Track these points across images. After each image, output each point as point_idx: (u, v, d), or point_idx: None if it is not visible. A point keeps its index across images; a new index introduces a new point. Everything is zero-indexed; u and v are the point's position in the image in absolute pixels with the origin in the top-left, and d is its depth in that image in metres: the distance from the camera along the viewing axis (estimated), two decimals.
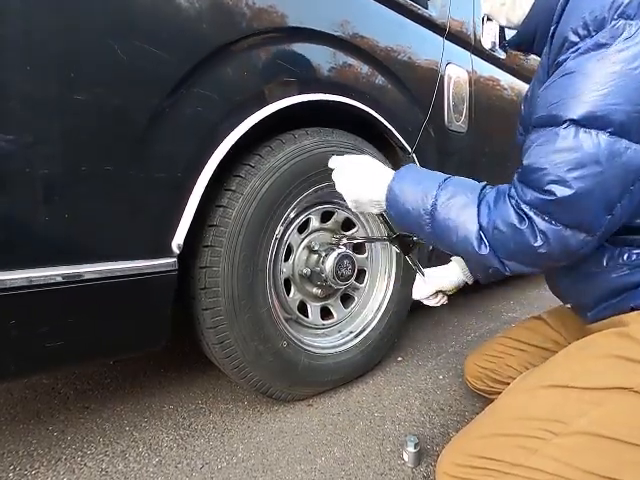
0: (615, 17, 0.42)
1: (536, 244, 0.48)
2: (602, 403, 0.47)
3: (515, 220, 0.49)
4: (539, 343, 0.80)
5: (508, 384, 0.80)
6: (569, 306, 0.70)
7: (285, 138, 0.81)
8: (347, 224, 1.01)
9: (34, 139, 0.52)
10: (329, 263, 0.89)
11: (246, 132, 0.72)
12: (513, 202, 0.50)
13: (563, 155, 0.44)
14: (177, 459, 0.73)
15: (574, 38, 0.45)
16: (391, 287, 1.05)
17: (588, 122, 0.43)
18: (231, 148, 0.71)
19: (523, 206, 0.48)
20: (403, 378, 1.03)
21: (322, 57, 0.85)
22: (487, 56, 1.32)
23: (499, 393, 0.83)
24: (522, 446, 0.49)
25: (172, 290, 0.68)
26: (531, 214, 0.47)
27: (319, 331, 0.97)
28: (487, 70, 1.35)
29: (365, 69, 0.93)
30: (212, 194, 0.74)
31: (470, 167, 1.27)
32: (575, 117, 0.43)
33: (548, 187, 0.46)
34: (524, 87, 1.55)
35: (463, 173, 1.24)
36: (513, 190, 0.51)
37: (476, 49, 1.27)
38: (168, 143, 0.64)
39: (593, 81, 0.42)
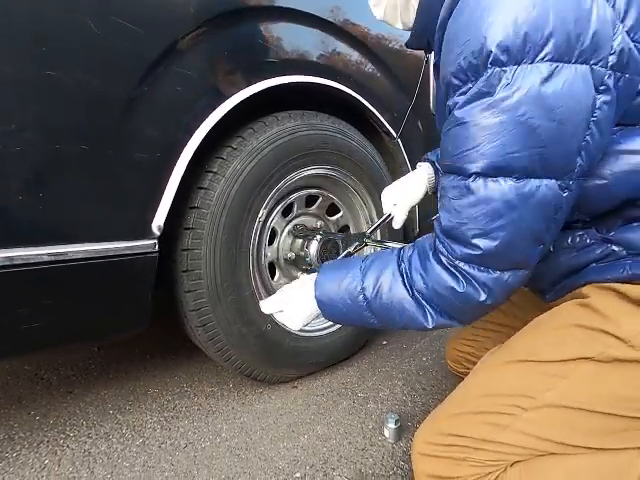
0: (488, 66, 0.40)
1: (482, 298, 0.48)
2: (566, 375, 0.49)
3: (453, 283, 0.49)
4: (511, 323, 0.82)
5: None
6: (527, 289, 0.72)
7: (267, 120, 0.80)
8: (332, 209, 1.01)
9: (9, 120, 0.51)
10: (314, 247, 0.90)
11: (230, 113, 0.71)
12: (444, 260, 0.50)
13: (479, 208, 0.45)
14: (161, 439, 0.73)
15: (456, 82, 0.44)
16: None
17: (493, 172, 0.43)
18: (213, 129, 0.70)
19: (457, 263, 0.48)
20: (387, 360, 1.05)
21: (307, 39, 0.84)
22: None
23: None
24: (493, 422, 0.50)
25: (153, 272, 0.68)
26: (467, 268, 0.48)
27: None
28: None
29: (350, 52, 0.93)
30: (194, 176, 0.73)
31: None
32: (479, 170, 0.43)
33: (474, 241, 0.46)
34: None
35: None
36: (440, 246, 0.50)
37: None
38: (147, 123, 0.63)
39: (486, 132, 0.42)
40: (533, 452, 0.49)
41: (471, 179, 0.44)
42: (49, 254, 0.56)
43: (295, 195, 0.91)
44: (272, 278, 0.91)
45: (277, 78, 0.78)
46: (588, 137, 0.41)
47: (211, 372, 0.98)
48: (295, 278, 0.95)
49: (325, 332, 0.96)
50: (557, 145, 0.41)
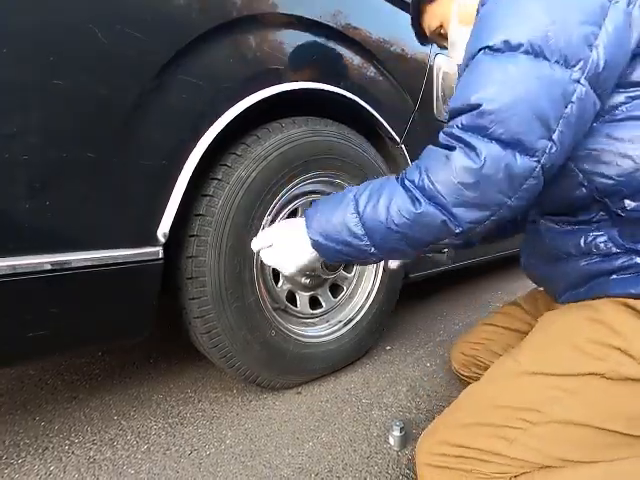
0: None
1: (475, 166, 0.44)
2: (575, 391, 0.48)
3: (443, 151, 0.47)
4: (518, 327, 0.82)
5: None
6: (542, 289, 0.72)
7: (272, 127, 0.81)
8: None
9: (15, 126, 0.51)
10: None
11: (235, 120, 0.72)
12: (442, 137, 0.49)
13: (483, 75, 0.46)
14: (166, 446, 0.73)
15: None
16: (379, 277, 1.06)
17: (504, 47, 0.45)
18: (218, 136, 0.70)
19: (456, 131, 0.47)
20: (391, 366, 1.05)
21: (311, 45, 0.84)
22: None
23: None
24: (500, 436, 0.50)
25: (158, 279, 0.68)
26: (465, 136, 0.46)
27: (308, 320, 0.98)
28: None
29: (354, 59, 0.93)
30: (198, 183, 0.74)
31: None
32: (490, 44, 0.46)
33: (474, 100, 0.45)
34: None
35: None
36: (445, 130, 0.50)
37: None
38: (152, 130, 0.63)
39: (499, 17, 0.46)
40: (539, 465, 0.49)
41: (481, 52, 0.46)
42: (53, 262, 0.56)
43: (299, 201, 0.91)
44: (276, 284, 0.91)
45: (281, 85, 0.78)
46: (601, 36, 0.43)
47: (215, 378, 0.98)
48: (298, 284, 0.95)
49: (329, 338, 0.96)
50: (564, 26, 0.43)
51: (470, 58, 0.49)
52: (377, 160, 1.01)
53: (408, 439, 0.75)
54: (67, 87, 0.54)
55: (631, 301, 0.49)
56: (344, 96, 0.89)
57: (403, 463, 0.69)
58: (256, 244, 0.62)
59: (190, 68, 0.65)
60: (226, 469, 0.67)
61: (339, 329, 0.99)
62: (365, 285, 1.06)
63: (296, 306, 0.95)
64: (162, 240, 0.67)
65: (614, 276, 0.52)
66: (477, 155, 0.45)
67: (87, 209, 0.59)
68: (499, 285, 1.92)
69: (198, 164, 0.68)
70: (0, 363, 0.64)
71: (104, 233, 0.62)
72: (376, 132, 1.04)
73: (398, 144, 1.06)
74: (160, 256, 0.67)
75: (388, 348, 1.16)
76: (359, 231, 0.52)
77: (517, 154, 0.44)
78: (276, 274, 0.91)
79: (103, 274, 0.62)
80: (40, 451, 0.72)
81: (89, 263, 0.60)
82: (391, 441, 0.73)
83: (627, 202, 0.49)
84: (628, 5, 0.44)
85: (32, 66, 0.52)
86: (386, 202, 0.50)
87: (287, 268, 0.60)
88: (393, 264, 0.86)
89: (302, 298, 0.96)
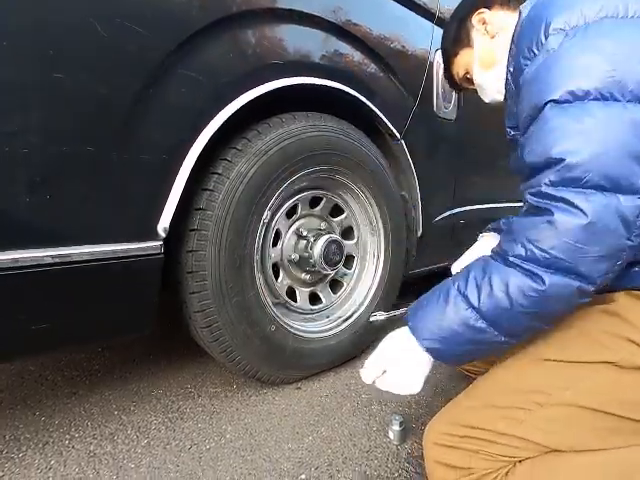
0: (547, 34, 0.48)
1: (585, 221, 0.42)
2: (587, 377, 0.49)
3: (541, 217, 0.45)
4: None
5: (492, 363, 0.83)
6: None
7: (272, 122, 0.80)
8: (336, 210, 1.02)
9: (16, 122, 0.51)
10: (318, 249, 0.90)
11: (235, 115, 0.71)
12: (531, 199, 0.47)
13: (557, 130, 0.45)
14: (166, 440, 0.73)
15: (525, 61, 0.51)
16: (379, 273, 1.06)
17: (570, 98, 0.45)
18: (218, 130, 0.70)
19: (547, 190, 0.44)
20: None
21: (311, 41, 0.84)
22: None
23: (483, 373, 0.86)
24: (509, 417, 0.51)
25: (158, 274, 0.68)
26: (560, 193, 0.43)
27: (307, 316, 0.98)
28: None
29: (354, 54, 0.93)
30: (199, 177, 0.74)
31: (459, 155, 1.28)
32: (555, 97, 0.46)
33: (556, 155, 0.44)
34: None
35: (452, 160, 1.26)
36: (530, 191, 0.48)
37: None
38: (152, 125, 0.63)
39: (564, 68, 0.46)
40: (544, 449, 0.50)
41: (548, 107, 0.46)
42: (54, 256, 0.56)
43: (299, 196, 0.91)
44: (276, 279, 0.91)
45: (281, 80, 0.78)
46: None
47: (215, 373, 0.98)
48: (299, 279, 0.95)
49: (329, 333, 0.96)
50: (628, 67, 0.43)
51: (535, 110, 0.48)
52: (377, 156, 1.01)
53: (407, 433, 0.75)
54: (67, 82, 0.54)
55: None
56: (344, 92, 0.89)
57: (402, 457, 0.69)
58: (368, 376, 0.58)
59: (190, 63, 0.65)
60: (226, 463, 0.67)
61: (339, 324, 0.99)
62: (365, 281, 1.06)
63: (296, 301, 0.95)
64: (162, 234, 0.67)
65: (636, 268, 0.51)
66: (581, 210, 0.42)
67: (88, 203, 0.59)
68: None
69: (198, 158, 0.68)
70: (0, 358, 0.64)
71: (104, 227, 0.62)
72: (376, 128, 1.04)
73: (398, 140, 1.06)
74: (160, 250, 0.67)
75: None
76: (482, 325, 0.49)
77: (620, 196, 0.42)
78: (275, 268, 0.91)
79: (103, 268, 0.62)
80: (41, 445, 0.72)
81: (89, 257, 0.60)
82: (390, 435, 0.74)
83: None
84: None
85: (32, 61, 0.51)
86: (502, 287, 0.47)
87: (412, 388, 0.56)
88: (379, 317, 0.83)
89: (302, 294, 0.97)
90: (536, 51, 0.50)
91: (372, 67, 0.97)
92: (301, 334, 0.91)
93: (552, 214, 0.44)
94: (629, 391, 0.48)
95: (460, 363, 0.57)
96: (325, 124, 0.88)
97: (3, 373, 0.98)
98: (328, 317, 1.01)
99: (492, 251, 0.52)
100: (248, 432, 0.76)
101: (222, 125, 0.70)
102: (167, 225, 0.67)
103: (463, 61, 0.73)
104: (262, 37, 0.75)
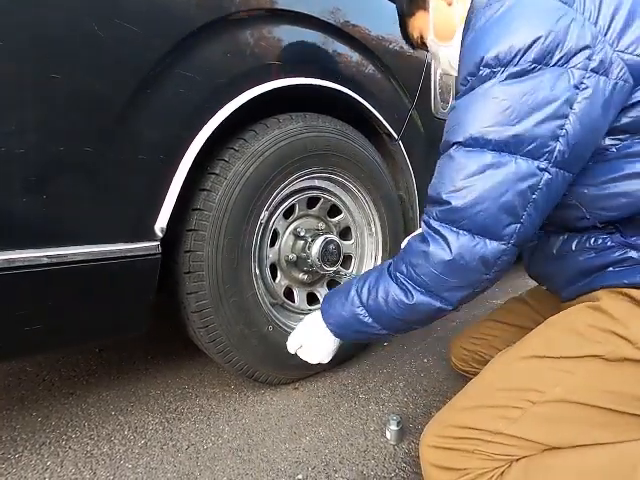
0: (480, 68, 0.49)
1: (449, 257, 0.51)
2: (575, 371, 0.50)
3: (422, 245, 0.54)
4: (521, 323, 0.83)
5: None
6: (545, 288, 0.73)
7: (269, 122, 0.81)
8: (333, 210, 1.02)
9: (12, 121, 0.51)
10: (315, 249, 0.90)
11: (233, 114, 0.71)
12: (423, 225, 0.56)
13: (456, 170, 0.51)
14: (163, 441, 0.73)
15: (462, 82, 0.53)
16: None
17: (471, 142, 0.49)
18: (215, 130, 0.70)
19: (433, 223, 0.53)
20: (388, 362, 1.05)
21: (309, 41, 0.84)
22: None
23: None
24: (503, 416, 0.51)
25: (155, 274, 0.68)
26: (440, 228, 0.52)
27: (305, 316, 0.97)
28: None
29: (352, 55, 0.93)
30: (196, 177, 0.74)
31: None
32: (460, 140, 0.50)
33: (445, 197, 0.51)
34: None
35: None
36: (424, 217, 0.56)
37: None
38: (150, 125, 0.63)
39: (468, 112, 0.50)
40: (539, 446, 0.50)
41: (454, 147, 0.51)
42: (50, 256, 0.56)
43: (297, 197, 0.92)
44: (274, 280, 0.91)
45: (278, 81, 0.78)
46: (566, 126, 0.46)
47: (212, 373, 0.98)
48: (296, 280, 0.95)
49: None
50: (528, 124, 0.46)
51: (444, 146, 0.54)
52: (375, 156, 1.01)
53: (405, 433, 0.75)
54: (64, 81, 0.54)
55: (628, 290, 0.51)
56: (342, 92, 0.89)
57: (400, 457, 0.70)
58: (290, 346, 0.74)
59: (188, 63, 0.65)
60: (223, 463, 0.67)
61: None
62: None
63: (294, 302, 0.95)
64: (159, 235, 0.67)
65: (610, 269, 0.54)
66: (449, 246, 0.51)
67: (85, 203, 0.59)
68: (499, 284, 1.93)
69: (196, 159, 0.68)
70: None
71: (101, 227, 0.62)
72: (374, 128, 1.04)
73: (396, 140, 1.06)
74: (158, 250, 0.67)
75: (385, 344, 1.16)
76: (368, 320, 0.61)
77: (487, 240, 0.50)
78: (273, 268, 0.91)
79: (100, 268, 0.62)
80: (37, 446, 0.72)
81: (86, 257, 0.60)
82: (388, 435, 0.74)
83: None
84: (598, 80, 0.46)
85: (29, 61, 0.51)
86: (383, 295, 0.58)
87: (322, 359, 0.72)
88: None
89: (300, 294, 0.97)
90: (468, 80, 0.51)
91: (370, 68, 0.97)
92: None
93: (429, 245, 0.53)
94: (618, 384, 0.49)
95: (358, 341, 0.69)
96: (323, 125, 0.88)
97: (0, 373, 0.97)
98: None
99: (392, 260, 0.61)
100: (245, 432, 0.76)
101: (220, 125, 0.71)
102: (164, 225, 0.67)
103: (417, 24, 0.71)
104: (260, 38, 0.75)
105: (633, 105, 0.48)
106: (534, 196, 0.48)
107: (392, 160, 1.10)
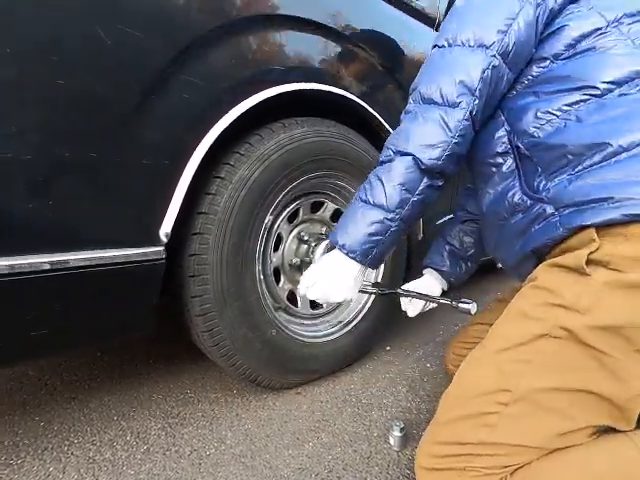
0: None
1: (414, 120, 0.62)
2: (531, 358, 0.49)
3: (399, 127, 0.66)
4: None
5: None
6: (500, 266, 0.75)
7: (275, 127, 0.81)
8: (337, 215, 1.02)
9: (16, 125, 0.51)
10: (319, 253, 0.90)
11: (239, 119, 0.72)
12: (403, 114, 0.67)
13: (431, 64, 0.64)
14: (165, 446, 0.73)
15: None
16: (380, 277, 1.06)
17: (445, 44, 0.62)
18: (220, 135, 0.70)
19: (409, 106, 0.65)
20: (391, 366, 1.05)
21: (313, 47, 0.84)
22: None
23: None
24: (482, 424, 0.49)
25: (160, 279, 0.68)
26: (412, 106, 0.64)
27: (308, 320, 0.97)
28: None
29: (355, 59, 0.93)
30: (201, 181, 0.74)
31: None
32: (439, 43, 0.63)
33: (416, 85, 0.65)
34: None
35: None
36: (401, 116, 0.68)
37: None
38: (155, 130, 0.63)
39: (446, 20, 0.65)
40: (528, 450, 0.48)
41: (434, 49, 0.64)
42: (53, 262, 0.56)
43: (301, 201, 0.92)
44: (277, 284, 0.90)
45: (283, 86, 0.78)
46: (515, 25, 0.57)
47: (215, 378, 0.98)
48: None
49: (330, 338, 0.96)
50: (487, 27, 0.58)
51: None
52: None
53: (408, 439, 0.75)
54: (70, 86, 0.54)
55: (556, 259, 0.52)
56: (346, 97, 0.90)
57: (403, 463, 0.69)
58: (302, 287, 0.69)
59: (193, 68, 0.66)
60: (226, 469, 0.67)
61: (340, 329, 0.99)
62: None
63: (297, 306, 0.95)
64: (164, 240, 0.67)
65: (534, 227, 0.57)
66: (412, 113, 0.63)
67: (89, 208, 0.59)
68: (499, 287, 1.92)
69: (201, 163, 0.69)
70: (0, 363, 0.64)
71: (106, 233, 0.62)
72: (377, 133, 1.04)
73: None
74: (162, 256, 0.67)
75: (388, 349, 1.16)
76: (371, 211, 0.63)
77: (448, 109, 0.59)
78: (277, 272, 0.91)
79: (104, 274, 0.61)
80: (39, 452, 0.71)
81: (88, 263, 0.59)
82: (391, 441, 0.73)
83: (531, 129, 0.58)
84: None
85: (35, 66, 0.52)
86: (372, 177, 0.65)
87: (337, 296, 0.67)
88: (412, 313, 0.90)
89: (303, 298, 0.96)
90: None
91: (373, 73, 0.98)
92: (302, 339, 0.91)
93: (404, 122, 0.64)
94: (574, 359, 0.47)
95: (370, 253, 0.65)
96: (327, 129, 0.89)
97: (2, 378, 0.97)
98: (329, 322, 1.00)
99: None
100: (248, 438, 0.76)
101: (225, 129, 0.71)
102: (169, 230, 0.67)
103: None
104: (264, 43, 0.76)
105: (549, 35, 0.59)
106: (484, 75, 0.57)
107: None
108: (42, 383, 0.95)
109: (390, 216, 0.62)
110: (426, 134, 0.60)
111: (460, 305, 0.79)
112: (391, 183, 0.62)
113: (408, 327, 1.33)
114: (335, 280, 0.65)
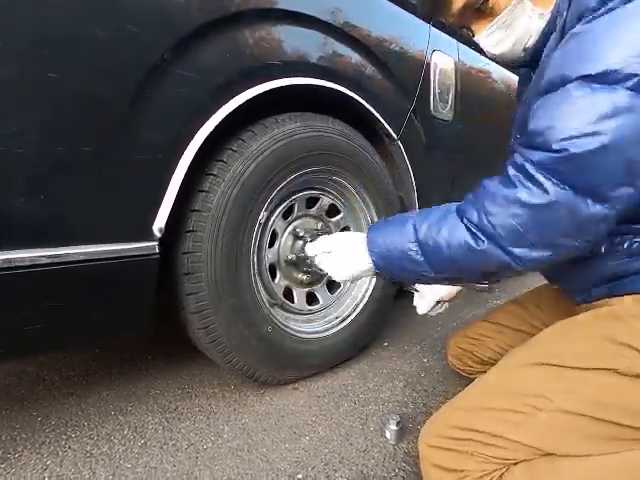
0: None
1: (540, 201, 0.42)
2: (587, 383, 0.49)
3: (504, 190, 0.45)
4: (517, 326, 0.83)
5: (487, 364, 0.83)
6: (556, 287, 0.72)
7: (267, 122, 0.81)
8: (332, 210, 1.02)
9: (11, 121, 0.51)
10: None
11: (232, 115, 0.71)
12: (511, 170, 0.46)
13: (575, 112, 0.41)
14: (162, 440, 0.73)
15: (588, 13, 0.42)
16: None
17: (603, 78, 0.39)
18: (213, 132, 0.70)
19: (528, 167, 0.44)
20: (388, 362, 1.05)
21: (308, 41, 0.84)
22: (474, 44, 1.32)
23: (478, 372, 0.86)
24: (506, 419, 0.50)
25: (154, 274, 0.68)
26: (536, 174, 0.43)
27: (305, 316, 0.98)
28: (474, 58, 1.35)
29: (352, 55, 0.93)
30: (194, 178, 0.74)
31: (456, 155, 1.28)
32: (589, 73, 0.40)
33: (559, 145, 0.41)
34: (512, 76, 1.56)
35: (448, 161, 1.26)
36: (516, 157, 0.47)
37: (463, 37, 1.27)
38: (148, 125, 0.63)
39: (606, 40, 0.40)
40: (538, 452, 0.49)
41: (576, 83, 0.41)
42: (49, 256, 0.56)
43: (296, 197, 0.92)
44: (273, 280, 0.91)
45: (277, 80, 0.78)
46: None
47: (212, 373, 0.98)
48: (296, 280, 0.95)
49: (326, 334, 0.96)
50: None
51: (558, 82, 0.43)
52: (374, 156, 1.01)
53: (404, 433, 0.75)
54: (63, 82, 0.54)
55: None
56: (341, 92, 0.89)
57: (399, 457, 0.70)
58: (312, 249, 0.66)
59: (187, 63, 0.65)
60: (223, 463, 0.68)
61: (336, 325, 0.99)
62: (362, 281, 1.06)
63: (293, 302, 0.95)
64: (158, 235, 0.67)
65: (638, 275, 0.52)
66: (546, 192, 0.42)
67: (83, 203, 0.59)
68: (497, 283, 1.92)
69: (194, 159, 0.68)
70: None
71: (100, 227, 0.62)
72: (373, 129, 1.04)
73: (395, 141, 1.06)
74: (156, 251, 0.67)
75: (385, 344, 1.16)
76: (419, 258, 0.54)
77: (589, 201, 0.41)
78: (272, 268, 0.91)
79: (98, 268, 0.62)
80: (37, 446, 0.72)
81: (84, 257, 0.60)
82: (387, 435, 0.74)
83: None
84: None
85: (29, 62, 0.51)
86: (446, 236, 0.51)
87: (341, 275, 0.64)
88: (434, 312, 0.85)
89: (299, 294, 0.97)
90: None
91: (369, 68, 0.97)
92: (298, 335, 0.91)
93: (515, 190, 0.45)
94: (630, 399, 0.48)
95: (391, 278, 0.61)
96: (321, 125, 0.88)
97: (0, 373, 0.97)
98: (325, 317, 1.01)
99: (458, 205, 0.53)
100: (245, 432, 0.76)
101: (218, 125, 0.71)
102: (163, 225, 0.67)
103: None
104: (259, 38, 0.75)
105: None
106: None
107: (391, 160, 1.10)
108: (40, 378, 0.96)
109: (430, 276, 0.55)
110: (540, 224, 0.45)
111: (477, 285, 0.79)
112: (459, 264, 0.51)
113: (406, 323, 1.33)
114: (348, 261, 0.62)
